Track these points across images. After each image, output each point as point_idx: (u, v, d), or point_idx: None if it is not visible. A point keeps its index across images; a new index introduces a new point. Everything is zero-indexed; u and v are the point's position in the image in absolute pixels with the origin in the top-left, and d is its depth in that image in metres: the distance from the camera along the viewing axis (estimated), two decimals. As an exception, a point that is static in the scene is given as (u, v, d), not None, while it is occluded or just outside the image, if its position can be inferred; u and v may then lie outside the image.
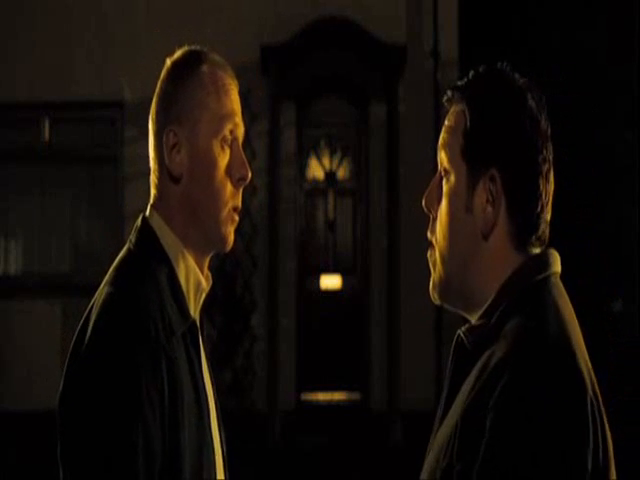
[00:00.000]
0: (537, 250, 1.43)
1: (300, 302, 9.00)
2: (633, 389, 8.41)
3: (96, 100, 9.02)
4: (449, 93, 1.48)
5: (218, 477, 1.60)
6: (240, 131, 1.65)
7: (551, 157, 1.42)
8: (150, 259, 1.57)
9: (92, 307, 1.52)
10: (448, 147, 1.45)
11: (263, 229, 8.64)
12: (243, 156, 1.64)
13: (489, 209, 1.41)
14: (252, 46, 8.66)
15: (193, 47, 1.67)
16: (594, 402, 1.28)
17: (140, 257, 1.58)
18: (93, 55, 9.02)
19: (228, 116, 1.62)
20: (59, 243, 9.18)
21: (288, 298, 8.81)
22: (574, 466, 1.22)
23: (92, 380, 1.44)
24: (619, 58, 10.31)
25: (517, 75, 1.45)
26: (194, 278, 1.61)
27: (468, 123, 1.42)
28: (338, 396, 8.95)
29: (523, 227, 1.41)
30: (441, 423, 1.42)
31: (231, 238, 1.65)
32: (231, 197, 1.63)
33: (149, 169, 1.66)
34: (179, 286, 1.58)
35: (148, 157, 1.65)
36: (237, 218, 1.65)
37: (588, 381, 1.29)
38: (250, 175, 1.65)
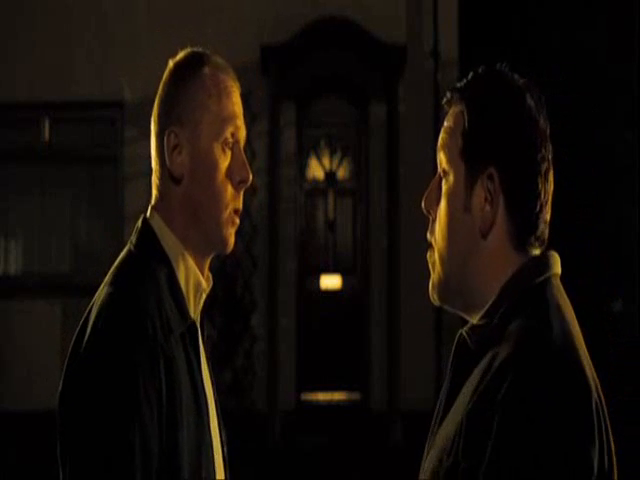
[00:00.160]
0: (536, 250, 1.43)
1: (300, 302, 9.00)
2: (633, 389, 8.41)
3: (96, 100, 9.02)
4: (448, 95, 1.48)
5: (218, 477, 1.60)
6: (241, 134, 1.66)
7: (550, 157, 1.42)
8: (150, 260, 1.58)
9: (91, 308, 1.53)
10: (447, 148, 1.46)
11: (263, 229, 8.64)
12: (244, 159, 1.65)
13: (487, 208, 1.40)
14: (252, 46, 8.66)
15: (195, 49, 1.68)
16: (598, 403, 1.29)
17: (140, 258, 1.58)
18: (93, 55, 9.02)
19: (229, 119, 1.63)
20: (59, 243, 9.18)
21: (288, 298, 8.81)
22: (580, 466, 1.23)
23: (90, 380, 1.45)
24: (619, 58, 10.31)
25: (516, 75, 1.45)
26: (194, 279, 1.61)
27: (466, 123, 1.43)
28: (338, 396, 8.95)
29: (522, 226, 1.40)
30: (441, 422, 1.42)
31: (232, 240, 1.65)
32: (232, 199, 1.63)
33: (149, 169, 1.67)
34: (179, 287, 1.58)
35: (148, 157, 1.66)
36: (238, 221, 1.65)
37: (592, 382, 1.30)
38: (251, 178, 1.65)
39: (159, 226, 1.61)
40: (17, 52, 9.01)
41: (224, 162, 1.62)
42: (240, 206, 1.66)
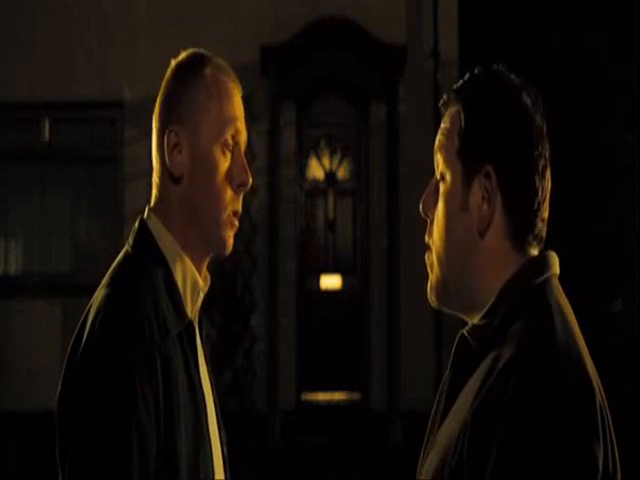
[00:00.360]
0: (535, 249, 1.42)
1: (300, 302, 9.00)
2: (633, 389, 8.40)
3: (96, 100, 9.02)
4: (444, 97, 1.48)
5: (217, 477, 1.60)
6: (242, 137, 1.65)
7: (547, 154, 1.42)
8: (147, 261, 1.58)
9: (89, 309, 1.54)
10: (444, 149, 1.46)
11: (263, 229, 8.64)
12: (244, 162, 1.65)
13: (485, 206, 1.40)
14: (252, 46, 8.66)
15: (197, 50, 1.68)
16: (602, 403, 1.29)
17: (137, 259, 1.59)
18: (93, 55, 9.02)
19: (230, 121, 1.62)
20: (59, 243, 9.18)
21: (288, 298, 8.81)
22: (586, 465, 1.23)
23: (87, 381, 1.45)
24: (619, 58, 10.30)
25: (512, 75, 1.45)
26: (191, 278, 1.62)
27: (463, 123, 1.42)
28: (338, 396, 8.95)
29: (519, 224, 1.40)
30: (441, 422, 1.42)
31: (230, 242, 1.65)
32: (231, 201, 1.63)
33: (149, 169, 1.67)
34: (176, 287, 1.58)
35: (148, 157, 1.66)
36: (237, 223, 1.65)
37: (595, 383, 1.30)
38: (251, 181, 1.65)
39: (156, 226, 1.62)
40: (17, 52, 9.01)
41: (224, 164, 1.62)
42: (239, 208, 1.65)
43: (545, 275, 1.39)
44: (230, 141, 1.63)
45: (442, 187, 1.45)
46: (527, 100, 1.41)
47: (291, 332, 8.85)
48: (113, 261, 1.62)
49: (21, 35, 9.04)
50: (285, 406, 8.45)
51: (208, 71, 1.63)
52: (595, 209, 10.20)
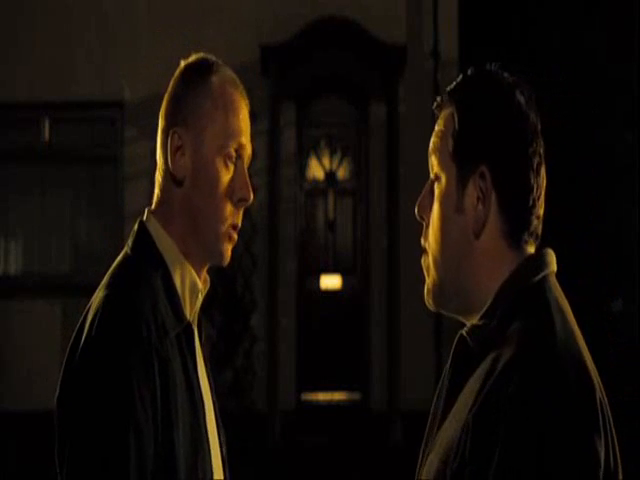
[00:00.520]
0: (531, 246, 1.42)
1: (300, 302, 9.00)
2: (633, 389, 8.40)
3: (96, 100, 9.02)
4: (438, 99, 1.48)
5: (216, 477, 1.60)
6: (246, 151, 1.64)
7: (542, 151, 1.41)
8: (146, 263, 1.58)
9: (88, 311, 1.54)
10: (438, 152, 1.46)
11: (263, 229, 8.64)
12: (247, 177, 1.63)
13: (480, 207, 1.40)
14: (252, 46, 8.66)
15: (207, 55, 1.67)
16: (602, 401, 1.29)
17: (136, 261, 1.59)
18: (93, 55, 9.02)
19: (234, 135, 1.61)
20: (59, 243, 9.18)
21: (288, 298, 8.81)
22: (588, 463, 1.23)
23: (85, 383, 1.45)
24: (619, 58, 10.30)
25: (506, 74, 1.45)
26: (190, 280, 1.61)
27: (456, 124, 1.43)
28: (338, 396, 8.95)
29: (515, 223, 1.40)
30: (441, 422, 1.41)
31: (228, 254, 1.64)
32: (231, 215, 1.63)
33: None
34: (174, 289, 1.58)
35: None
36: (236, 236, 1.65)
37: (595, 380, 1.30)
38: (252, 197, 1.64)
39: (155, 229, 1.61)
40: (17, 52, 9.01)
41: (226, 176, 1.61)
42: (239, 222, 1.65)
43: (542, 273, 1.38)
44: (233, 154, 1.62)
45: (437, 190, 1.45)
46: (520, 98, 1.40)
47: (291, 332, 8.85)
48: (113, 261, 1.61)
49: (21, 35, 9.04)
50: (285, 406, 8.45)
51: (215, 80, 1.62)
52: (595, 209, 10.20)
